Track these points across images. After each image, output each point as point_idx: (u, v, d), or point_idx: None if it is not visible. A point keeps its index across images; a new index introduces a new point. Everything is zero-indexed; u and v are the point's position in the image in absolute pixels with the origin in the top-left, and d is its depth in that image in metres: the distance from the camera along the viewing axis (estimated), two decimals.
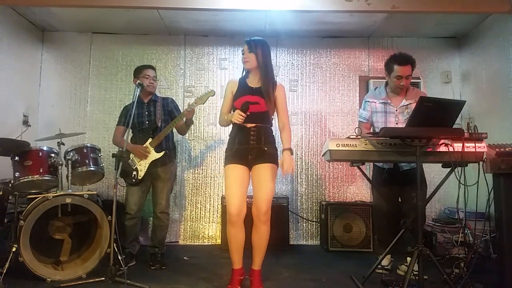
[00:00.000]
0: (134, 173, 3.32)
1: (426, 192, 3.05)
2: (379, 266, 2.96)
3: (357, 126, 3.18)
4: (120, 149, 2.96)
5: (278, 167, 2.69)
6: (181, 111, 3.55)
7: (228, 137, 2.78)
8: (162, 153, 3.34)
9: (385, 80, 3.22)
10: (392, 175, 3.11)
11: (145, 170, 3.32)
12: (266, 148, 2.65)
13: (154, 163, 3.33)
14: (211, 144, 4.48)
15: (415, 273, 2.50)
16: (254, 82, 2.73)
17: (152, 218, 3.50)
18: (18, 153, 3.07)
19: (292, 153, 2.67)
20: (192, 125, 3.61)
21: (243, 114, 2.57)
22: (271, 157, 2.66)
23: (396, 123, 3.07)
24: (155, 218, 3.43)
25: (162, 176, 3.39)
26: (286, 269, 3.25)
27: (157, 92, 3.66)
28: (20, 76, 4.11)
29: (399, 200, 3.18)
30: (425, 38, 4.58)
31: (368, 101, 3.21)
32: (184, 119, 3.33)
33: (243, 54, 2.71)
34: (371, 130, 3.22)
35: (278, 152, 2.73)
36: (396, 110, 3.09)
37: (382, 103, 3.14)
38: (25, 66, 4.21)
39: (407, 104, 3.07)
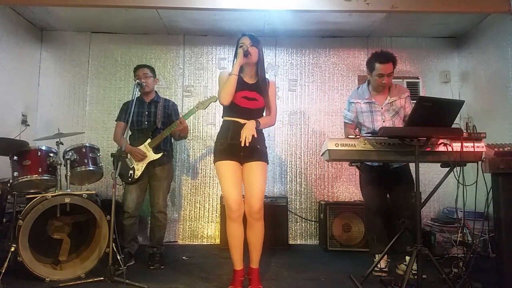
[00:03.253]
0: (131, 172, 3.32)
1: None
2: (376, 269, 2.94)
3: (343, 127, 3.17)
4: (119, 148, 2.96)
5: (268, 164, 2.70)
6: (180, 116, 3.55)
7: (219, 132, 2.71)
8: (160, 154, 3.35)
9: (367, 79, 3.21)
10: (381, 173, 3.09)
11: (142, 170, 3.32)
12: (258, 146, 2.64)
13: (151, 163, 3.35)
14: (210, 143, 4.47)
15: (414, 272, 2.50)
16: (248, 77, 2.72)
17: (150, 218, 3.51)
18: (17, 152, 3.07)
19: (257, 126, 2.59)
20: (191, 125, 3.60)
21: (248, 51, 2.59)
22: (263, 155, 2.67)
23: (383, 121, 3.07)
24: (152, 218, 3.43)
25: (159, 175, 3.39)
26: (285, 269, 3.25)
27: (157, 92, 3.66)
28: (19, 76, 4.11)
29: (387, 197, 3.18)
30: (424, 38, 4.58)
31: (353, 102, 3.17)
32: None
33: (241, 46, 2.62)
34: (357, 131, 3.20)
35: (268, 151, 2.76)
36: (382, 108, 3.09)
37: (366, 103, 3.12)
38: (24, 65, 4.21)
39: (392, 102, 3.09)
